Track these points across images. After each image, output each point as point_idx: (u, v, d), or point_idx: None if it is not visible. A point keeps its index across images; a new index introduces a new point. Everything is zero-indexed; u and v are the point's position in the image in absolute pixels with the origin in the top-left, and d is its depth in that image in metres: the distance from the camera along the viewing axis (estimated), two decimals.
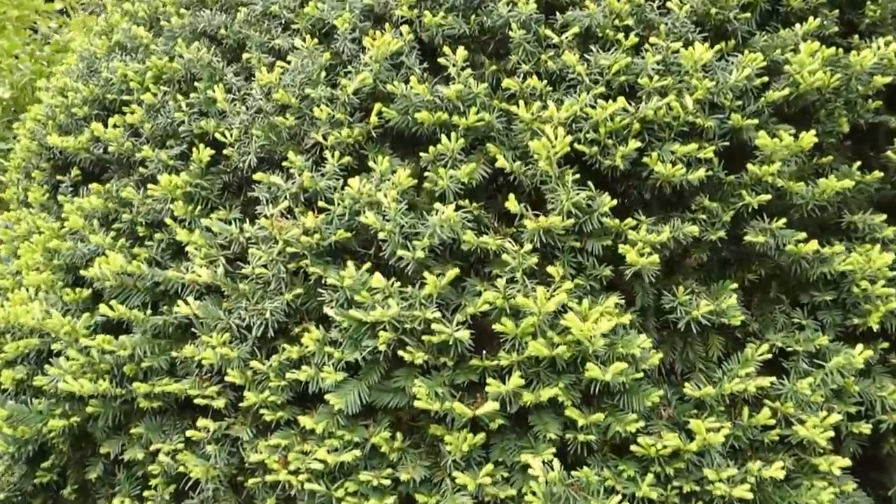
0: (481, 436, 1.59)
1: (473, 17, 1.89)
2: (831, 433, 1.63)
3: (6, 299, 2.14)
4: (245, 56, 2.07)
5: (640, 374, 1.56)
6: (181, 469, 1.79)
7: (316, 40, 1.95)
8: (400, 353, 1.61)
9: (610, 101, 1.72)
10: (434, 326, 1.57)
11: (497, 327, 1.56)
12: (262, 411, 1.71)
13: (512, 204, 1.66)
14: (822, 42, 1.87)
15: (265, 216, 1.81)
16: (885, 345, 1.84)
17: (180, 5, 2.33)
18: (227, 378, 1.74)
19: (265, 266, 1.76)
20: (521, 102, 1.73)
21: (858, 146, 2.05)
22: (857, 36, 2.03)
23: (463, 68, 1.79)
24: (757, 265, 1.86)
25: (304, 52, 1.94)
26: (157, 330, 1.88)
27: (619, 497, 1.52)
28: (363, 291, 1.64)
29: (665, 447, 1.55)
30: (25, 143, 2.58)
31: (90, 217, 2.13)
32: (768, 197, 1.73)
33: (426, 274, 1.63)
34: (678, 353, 1.79)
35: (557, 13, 1.89)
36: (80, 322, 1.92)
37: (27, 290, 2.10)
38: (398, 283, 1.65)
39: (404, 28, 1.89)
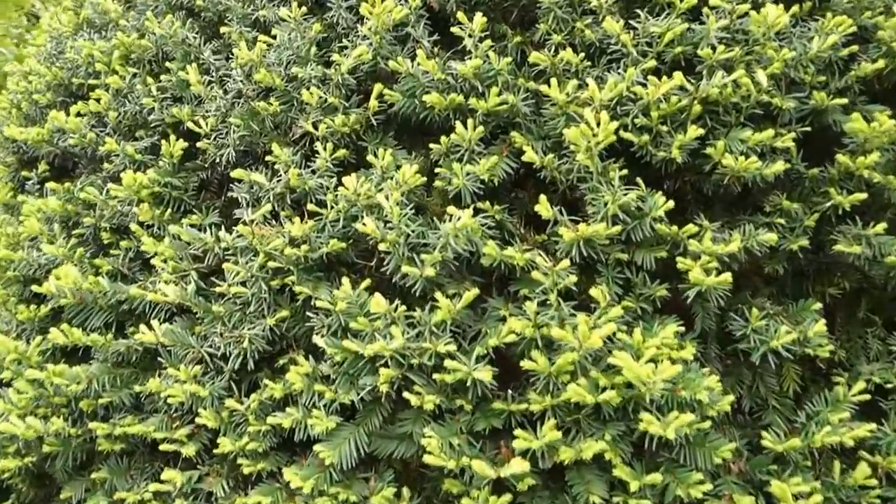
0: (507, 497, 1.28)
1: None
2: None
3: None
4: (224, 30, 1.75)
5: (708, 424, 1.24)
6: None
7: (305, 9, 1.63)
8: (406, 394, 1.30)
9: (663, 77, 1.39)
10: (448, 364, 1.26)
11: (526, 364, 1.25)
12: (239, 461, 1.41)
13: (544, 208, 1.33)
14: None
15: (244, 222, 1.50)
16: None
17: None
18: (198, 419, 1.44)
19: (243, 283, 1.46)
20: (553, 81, 1.40)
21: None
22: None
23: (481, 39, 1.46)
24: (839, 277, 1.53)
25: (292, 23, 1.62)
26: (119, 357, 1.58)
27: None
28: (360, 317, 1.33)
29: None
30: None
31: (51, 221, 1.84)
32: (863, 196, 1.39)
33: (438, 295, 1.32)
34: (746, 388, 1.46)
35: None
36: (32, 346, 1.63)
37: None
38: (403, 307, 1.33)
39: None
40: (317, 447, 1.33)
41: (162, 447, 1.46)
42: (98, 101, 1.84)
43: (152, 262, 1.58)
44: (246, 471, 1.40)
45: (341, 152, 1.52)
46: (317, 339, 1.37)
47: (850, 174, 1.42)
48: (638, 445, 1.28)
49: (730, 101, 1.41)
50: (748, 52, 1.45)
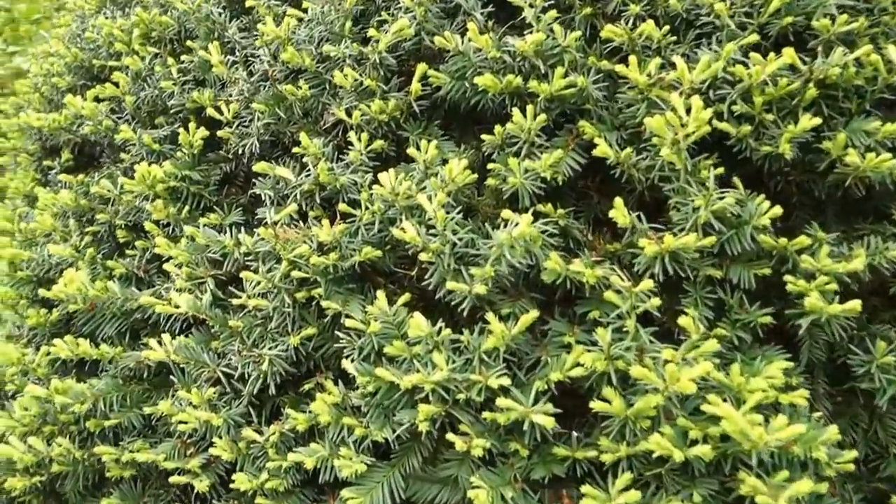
0: None
1: None
2: None
3: None
4: (250, 3, 1.55)
5: (825, 488, 0.99)
6: None
7: None
8: (449, 435, 1.09)
9: (770, 55, 1.13)
10: (500, 402, 1.04)
11: (597, 406, 1.02)
12: (258, 500, 1.23)
13: (620, 214, 1.10)
14: None
15: (265, 224, 1.31)
16: None
17: None
18: (212, 450, 1.26)
19: (264, 295, 1.27)
20: (631, 60, 1.16)
21: None
22: None
23: (544, 10, 1.23)
24: None
25: None
26: (130, 372, 1.42)
27: None
28: (397, 340, 1.12)
29: None
30: (14, 120, 2.16)
31: (66, 216, 1.68)
32: None
33: (489, 316, 1.10)
34: (862, 433, 1.21)
35: None
36: (39, 355, 1.48)
37: None
38: (447, 330, 1.12)
39: None
40: (345, 492, 1.13)
41: (172, 479, 1.29)
42: (116, 84, 1.68)
43: (166, 266, 1.40)
44: None
45: (378, 143, 1.31)
46: (346, 364, 1.16)
47: None
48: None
49: (852, 85, 1.15)
50: (874, 24, 1.18)
